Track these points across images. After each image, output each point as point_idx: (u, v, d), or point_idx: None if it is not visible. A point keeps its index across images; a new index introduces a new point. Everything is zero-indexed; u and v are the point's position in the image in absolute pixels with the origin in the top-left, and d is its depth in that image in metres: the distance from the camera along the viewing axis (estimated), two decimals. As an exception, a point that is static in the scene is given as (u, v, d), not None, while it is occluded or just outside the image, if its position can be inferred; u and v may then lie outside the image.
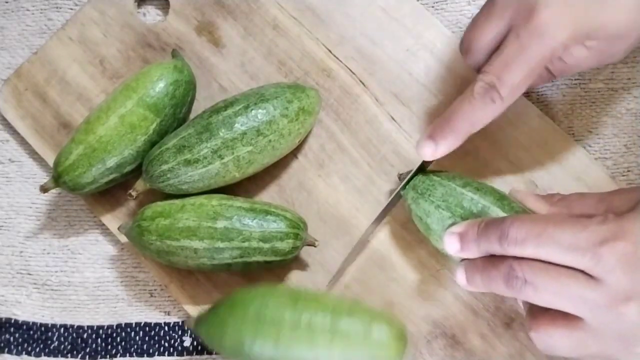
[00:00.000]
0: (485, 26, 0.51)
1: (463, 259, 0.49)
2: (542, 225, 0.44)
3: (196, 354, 0.60)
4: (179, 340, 0.60)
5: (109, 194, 0.61)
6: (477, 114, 0.50)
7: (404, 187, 0.55)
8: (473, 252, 0.48)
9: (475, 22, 0.52)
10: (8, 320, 0.61)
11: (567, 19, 0.47)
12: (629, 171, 0.58)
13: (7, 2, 0.67)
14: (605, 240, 0.42)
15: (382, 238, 0.58)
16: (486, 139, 0.58)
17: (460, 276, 0.49)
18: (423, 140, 0.51)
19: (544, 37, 0.47)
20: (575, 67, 0.52)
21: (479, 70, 0.51)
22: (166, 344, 0.60)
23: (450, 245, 0.49)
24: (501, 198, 0.51)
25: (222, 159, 0.55)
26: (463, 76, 0.60)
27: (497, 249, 0.46)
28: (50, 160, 0.61)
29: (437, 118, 0.52)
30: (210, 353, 0.59)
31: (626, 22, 0.48)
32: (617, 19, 0.48)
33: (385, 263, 0.58)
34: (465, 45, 0.52)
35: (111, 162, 0.56)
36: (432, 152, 0.51)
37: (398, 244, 0.58)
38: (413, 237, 0.58)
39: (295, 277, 0.58)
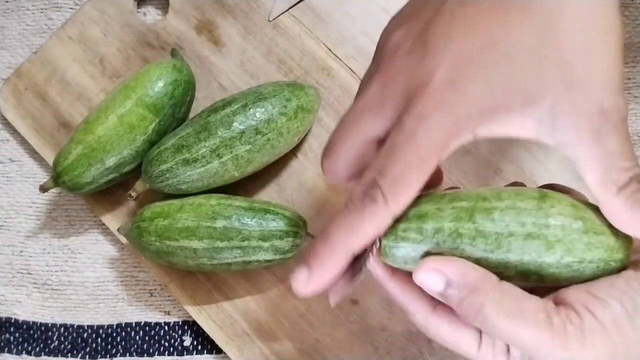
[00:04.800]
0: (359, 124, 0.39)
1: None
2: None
3: (196, 354, 0.60)
4: (179, 340, 0.60)
5: (109, 193, 0.60)
6: (356, 222, 0.37)
7: None
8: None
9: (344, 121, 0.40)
10: (8, 319, 0.61)
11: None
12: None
13: (7, 2, 0.67)
14: None
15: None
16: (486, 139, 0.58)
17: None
18: (296, 269, 0.38)
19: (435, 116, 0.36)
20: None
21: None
22: (166, 344, 0.60)
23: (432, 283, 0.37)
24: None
25: (221, 158, 0.55)
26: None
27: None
28: (51, 160, 0.61)
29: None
30: (210, 353, 0.59)
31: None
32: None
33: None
34: (327, 152, 0.41)
35: (110, 162, 0.56)
36: (304, 282, 0.38)
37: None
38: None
39: (295, 277, 0.58)
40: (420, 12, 0.39)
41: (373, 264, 0.40)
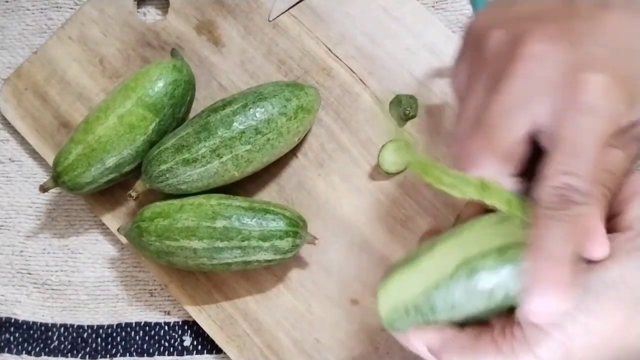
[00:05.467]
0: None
1: None
2: None
3: (196, 354, 0.59)
4: (179, 340, 0.60)
5: (109, 193, 0.60)
6: (564, 231, 0.35)
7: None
8: None
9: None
10: (8, 319, 0.61)
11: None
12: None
13: (7, 2, 0.67)
14: None
15: (384, 238, 0.58)
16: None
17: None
18: (532, 301, 0.36)
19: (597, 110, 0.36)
20: None
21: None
22: (166, 344, 0.60)
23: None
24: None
25: (221, 158, 0.55)
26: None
27: None
28: (51, 160, 0.61)
29: (528, 267, 0.37)
30: (210, 353, 0.59)
31: None
32: None
33: (386, 263, 0.57)
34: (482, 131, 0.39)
35: (110, 162, 0.56)
36: (554, 307, 0.36)
37: (399, 243, 0.58)
38: (414, 237, 0.58)
39: (295, 276, 0.58)
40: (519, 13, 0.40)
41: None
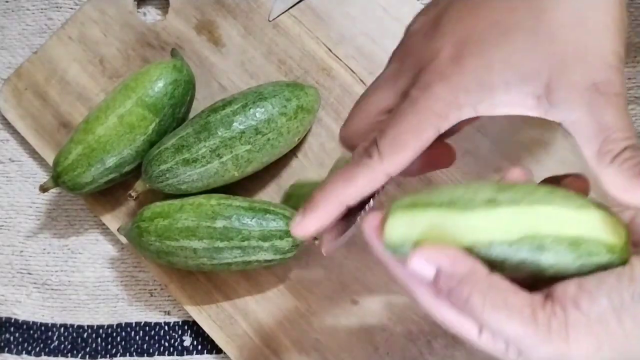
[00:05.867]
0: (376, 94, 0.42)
1: None
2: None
3: (196, 354, 0.59)
4: (179, 340, 0.60)
5: (109, 193, 0.60)
6: (351, 174, 0.39)
7: None
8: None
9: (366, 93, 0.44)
10: (8, 319, 0.61)
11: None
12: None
13: (7, 2, 0.67)
14: None
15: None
16: (487, 138, 0.58)
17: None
18: (294, 216, 0.41)
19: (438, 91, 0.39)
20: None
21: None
22: (166, 344, 0.60)
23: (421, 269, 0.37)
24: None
25: (221, 158, 0.55)
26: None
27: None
28: (51, 160, 0.61)
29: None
30: (210, 353, 0.59)
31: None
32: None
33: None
34: (345, 122, 0.44)
35: (110, 162, 0.56)
36: (298, 223, 0.41)
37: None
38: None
39: (295, 276, 0.58)
40: (440, 1, 0.42)
41: (370, 234, 0.39)
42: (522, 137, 0.58)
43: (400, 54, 0.43)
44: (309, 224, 0.41)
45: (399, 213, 0.38)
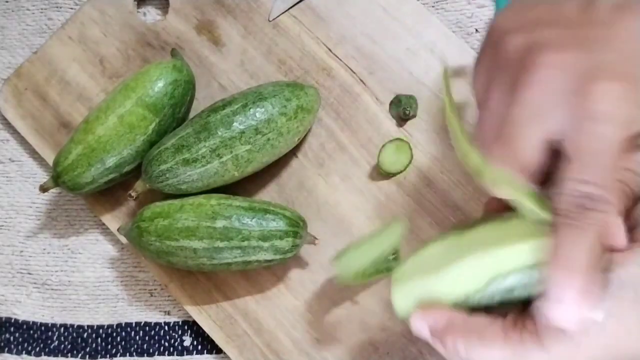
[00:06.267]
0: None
1: None
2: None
3: (196, 354, 0.59)
4: (179, 340, 0.60)
5: (109, 193, 0.60)
6: (582, 238, 0.37)
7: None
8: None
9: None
10: (8, 319, 0.61)
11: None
12: (630, 170, 0.58)
13: (7, 2, 0.67)
14: None
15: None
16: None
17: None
18: (552, 307, 0.37)
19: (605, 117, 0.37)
20: None
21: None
22: (166, 344, 0.60)
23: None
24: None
25: (221, 158, 0.55)
26: (463, 75, 0.60)
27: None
28: (51, 160, 0.61)
29: (547, 272, 0.38)
30: (210, 353, 0.59)
31: None
32: None
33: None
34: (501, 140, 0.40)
35: (110, 162, 0.56)
36: (576, 313, 0.37)
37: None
38: (414, 237, 0.58)
39: (295, 276, 0.58)
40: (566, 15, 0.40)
41: None
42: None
43: (541, 71, 0.39)
44: (583, 306, 0.37)
45: (396, 287, 0.44)
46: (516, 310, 0.40)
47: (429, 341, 0.43)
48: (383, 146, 0.58)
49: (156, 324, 0.60)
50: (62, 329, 0.61)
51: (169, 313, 0.60)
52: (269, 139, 0.55)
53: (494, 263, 0.41)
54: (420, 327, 0.42)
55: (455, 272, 0.42)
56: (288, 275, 0.58)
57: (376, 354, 0.57)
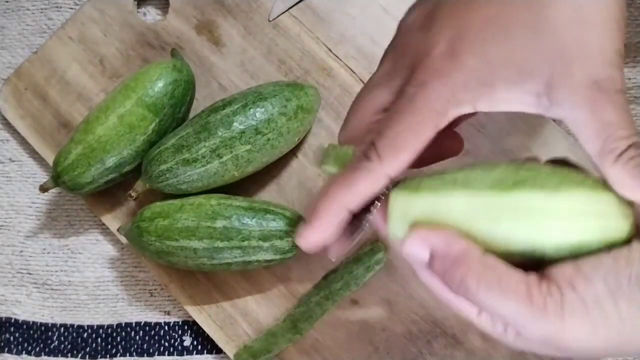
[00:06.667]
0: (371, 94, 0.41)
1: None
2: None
3: (196, 354, 0.59)
4: (179, 340, 0.60)
5: (109, 193, 0.60)
6: (351, 179, 0.38)
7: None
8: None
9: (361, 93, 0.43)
10: (8, 319, 0.61)
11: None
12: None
13: (7, 2, 0.67)
14: None
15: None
16: (487, 138, 0.58)
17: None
18: (298, 229, 0.40)
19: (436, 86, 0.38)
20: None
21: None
22: (166, 344, 0.60)
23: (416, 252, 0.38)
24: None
25: (221, 158, 0.55)
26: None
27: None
28: (51, 160, 0.61)
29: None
30: (210, 353, 0.59)
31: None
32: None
33: (386, 264, 0.57)
34: (343, 124, 0.43)
35: (110, 162, 0.56)
36: (304, 236, 0.40)
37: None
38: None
39: (295, 276, 0.58)
40: None
41: (377, 222, 0.41)
42: (523, 137, 0.58)
43: (393, 50, 0.42)
44: (315, 235, 0.39)
45: (398, 197, 0.39)
46: (534, 265, 0.37)
47: (418, 271, 0.38)
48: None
49: (156, 324, 0.60)
50: (62, 329, 0.61)
51: (169, 313, 0.60)
52: (269, 139, 0.55)
53: (544, 202, 0.36)
54: (420, 248, 0.37)
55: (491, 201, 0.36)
56: (288, 275, 0.58)
57: (376, 354, 0.57)
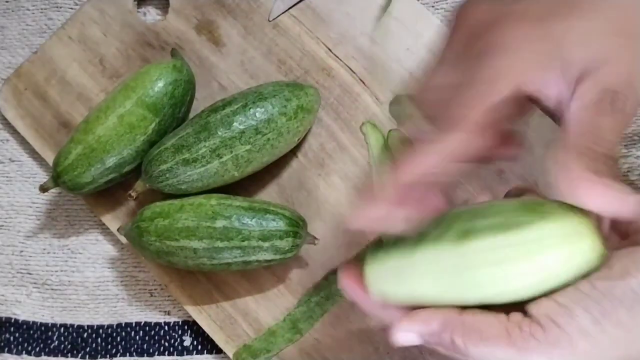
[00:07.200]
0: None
1: None
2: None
3: (196, 354, 0.59)
4: (179, 340, 0.60)
5: (109, 193, 0.60)
6: (418, 151, 0.39)
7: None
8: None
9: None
10: (8, 319, 0.61)
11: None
12: (629, 172, 0.58)
13: (7, 2, 0.67)
14: None
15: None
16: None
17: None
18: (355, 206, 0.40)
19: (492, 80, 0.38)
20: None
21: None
22: (166, 344, 0.60)
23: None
24: None
25: (221, 158, 0.55)
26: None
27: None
28: (51, 160, 0.61)
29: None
30: (210, 353, 0.59)
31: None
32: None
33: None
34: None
35: (110, 162, 0.56)
36: (363, 214, 0.40)
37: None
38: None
39: (295, 276, 0.58)
40: None
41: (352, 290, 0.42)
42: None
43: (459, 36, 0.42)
44: (375, 209, 0.39)
45: (371, 265, 0.41)
46: (510, 308, 0.37)
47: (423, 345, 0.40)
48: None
49: (156, 324, 0.60)
50: (62, 329, 0.61)
51: (169, 313, 0.60)
52: (269, 139, 0.55)
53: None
54: (407, 336, 0.39)
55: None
56: (288, 275, 0.58)
57: (376, 354, 0.57)
